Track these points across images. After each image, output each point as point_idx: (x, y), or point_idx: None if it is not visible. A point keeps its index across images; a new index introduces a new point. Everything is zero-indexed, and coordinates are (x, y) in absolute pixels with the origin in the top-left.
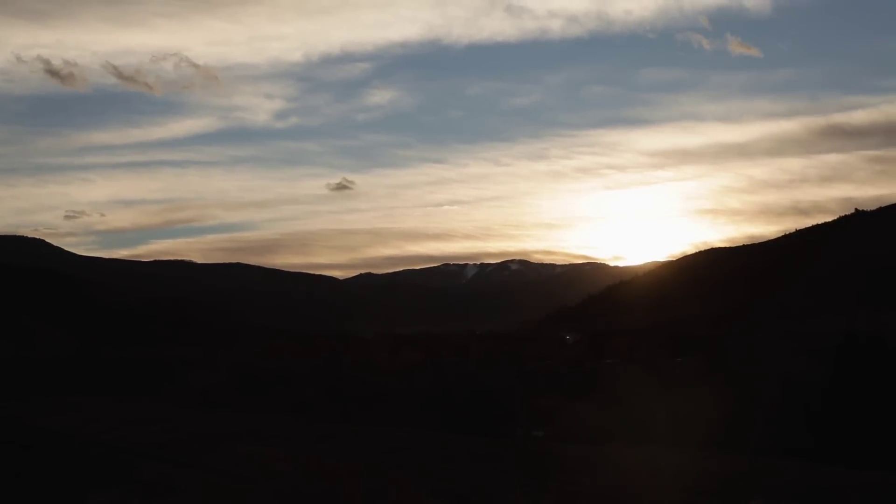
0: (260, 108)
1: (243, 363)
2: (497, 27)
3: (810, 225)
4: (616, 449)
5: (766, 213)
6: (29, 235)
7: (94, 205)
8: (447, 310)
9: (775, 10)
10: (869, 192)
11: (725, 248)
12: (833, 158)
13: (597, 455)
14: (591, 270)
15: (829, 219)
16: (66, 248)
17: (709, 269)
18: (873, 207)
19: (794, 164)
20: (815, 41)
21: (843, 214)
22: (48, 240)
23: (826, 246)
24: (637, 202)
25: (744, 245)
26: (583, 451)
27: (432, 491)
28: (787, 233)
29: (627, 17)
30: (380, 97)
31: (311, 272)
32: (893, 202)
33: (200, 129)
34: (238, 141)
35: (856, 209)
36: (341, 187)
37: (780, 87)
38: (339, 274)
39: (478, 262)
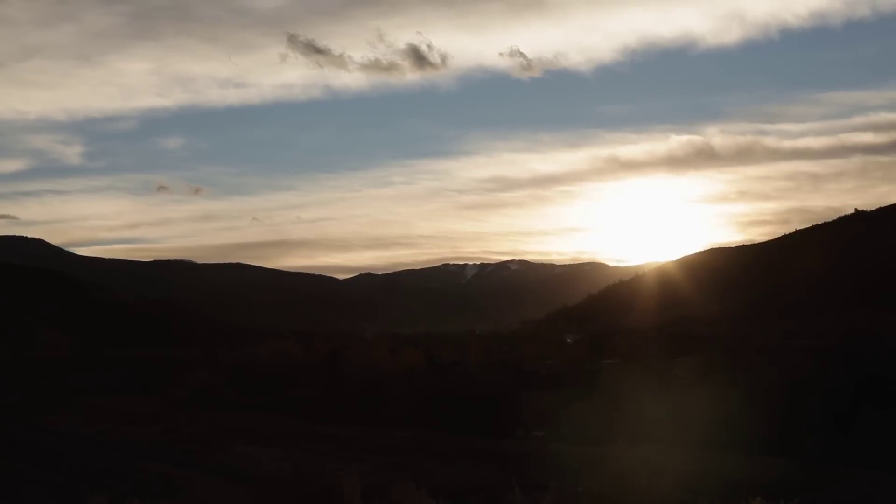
0: (64, 151)
1: (243, 363)
2: (241, 95)
3: (810, 225)
4: (616, 449)
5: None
6: (29, 235)
7: None
8: (447, 310)
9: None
10: (726, 207)
11: (726, 247)
12: (641, 182)
13: (597, 455)
14: (591, 270)
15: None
16: (66, 249)
17: (709, 268)
18: (873, 208)
19: (614, 186)
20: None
21: (843, 214)
22: (48, 240)
23: (826, 246)
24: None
25: (744, 245)
26: (583, 451)
27: (432, 491)
28: (788, 233)
29: (350, 85)
30: (174, 142)
31: (312, 272)
32: (892, 203)
33: (24, 166)
34: (70, 175)
35: (856, 209)
36: (205, 205)
37: (551, 126)
38: (340, 274)
39: (478, 262)
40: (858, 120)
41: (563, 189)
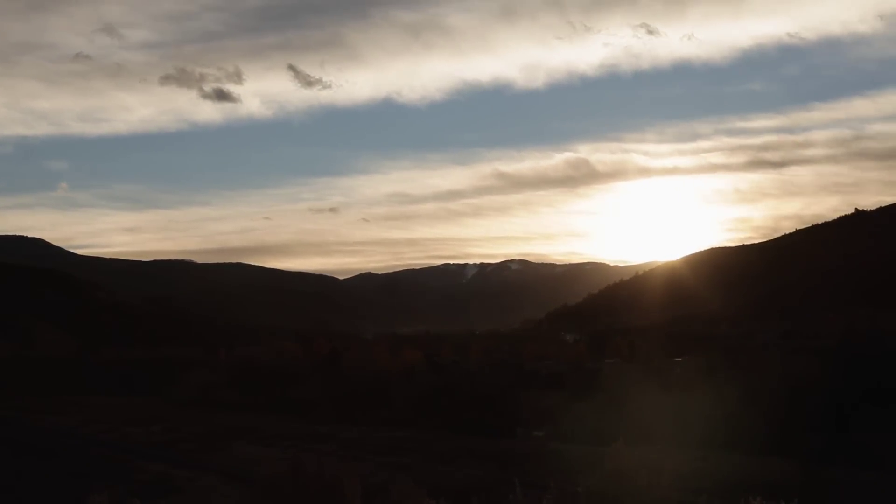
0: None
1: (243, 363)
2: (107, 127)
3: (810, 225)
4: (616, 449)
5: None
6: (29, 235)
7: None
8: (447, 310)
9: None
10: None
11: (726, 247)
12: (545, 194)
13: (597, 455)
14: (591, 270)
15: (827, 220)
16: (67, 248)
17: (709, 268)
18: (873, 207)
19: (509, 199)
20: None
21: (843, 214)
22: (48, 240)
23: (826, 246)
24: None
25: (744, 245)
26: (583, 451)
27: (432, 490)
28: (787, 233)
29: (208, 119)
30: (58, 165)
31: (312, 272)
32: (892, 203)
33: None
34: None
35: (856, 209)
36: (130, 217)
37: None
38: (340, 274)
39: (478, 262)
40: (704, 144)
41: (468, 202)
